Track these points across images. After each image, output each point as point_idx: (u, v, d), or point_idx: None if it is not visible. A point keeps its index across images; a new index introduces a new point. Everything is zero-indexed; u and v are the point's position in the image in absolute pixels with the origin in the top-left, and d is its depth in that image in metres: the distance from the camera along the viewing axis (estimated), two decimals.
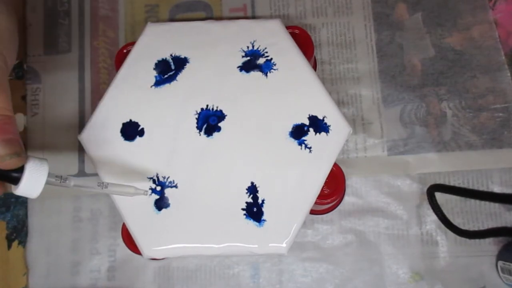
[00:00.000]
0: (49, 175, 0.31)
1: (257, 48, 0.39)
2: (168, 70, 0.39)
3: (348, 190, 0.42)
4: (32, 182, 0.30)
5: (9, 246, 0.43)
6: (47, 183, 0.31)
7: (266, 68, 0.39)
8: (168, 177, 0.37)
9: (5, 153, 0.29)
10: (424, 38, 0.44)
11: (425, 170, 0.42)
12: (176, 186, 0.37)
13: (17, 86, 0.45)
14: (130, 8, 0.46)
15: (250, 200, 0.36)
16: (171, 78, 0.39)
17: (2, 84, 0.31)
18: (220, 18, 0.45)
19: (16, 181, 0.30)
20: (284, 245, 0.36)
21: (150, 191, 0.36)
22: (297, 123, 0.37)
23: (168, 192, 0.37)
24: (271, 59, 0.39)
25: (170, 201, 0.36)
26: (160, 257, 0.38)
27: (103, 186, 0.33)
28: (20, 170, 0.30)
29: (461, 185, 0.42)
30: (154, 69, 0.39)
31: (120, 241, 0.41)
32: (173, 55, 0.39)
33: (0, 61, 0.31)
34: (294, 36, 0.40)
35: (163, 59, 0.39)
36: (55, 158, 0.44)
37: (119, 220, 0.41)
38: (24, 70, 0.45)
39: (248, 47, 0.39)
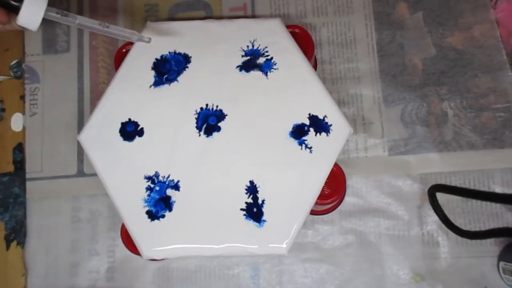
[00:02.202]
0: (51, 9, 0.32)
1: (257, 48, 0.39)
2: (168, 69, 0.39)
3: (348, 191, 0.42)
4: (31, 11, 0.31)
5: (8, 247, 0.42)
6: (50, 17, 0.32)
7: (266, 67, 0.39)
8: (168, 177, 0.37)
9: None
10: (425, 37, 0.44)
11: (426, 170, 0.42)
12: (175, 186, 0.36)
13: (16, 86, 0.45)
14: (129, 7, 0.46)
15: (250, 200, 0.36)
16: (171, 78, 0.39)
17: None
18: (220, 17, 0.45)
19: (16, 10, 0.31)
20: (284, 245, 0.35)
21: (150, 38, 0.37)
22: (298, 123, 0.37)
23: (167, 192, 0.36)
24: (271, 58, 0.39)
25: (169, 202, 0.36)
26: (160, 257, 0.38)
27: (104, 25, 0.34)
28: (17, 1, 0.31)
29: (462, 185, 0.42)
30: (153, 68, 0.39)
31: (119, 241, 0.41)
32: (172, 54, 0.39)
33: None
34: (294, 35, 0.40)
35: (162, 58, 0.39)
36: (54, 158, 0.44)
37: (118, 220, 0.41)
38: (22, 69, 0.45)
39: (248, 46, 0.39)
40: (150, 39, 0.36)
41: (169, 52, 0.39)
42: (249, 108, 0.38)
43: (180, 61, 0.39)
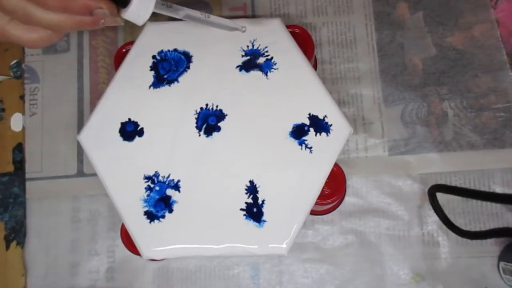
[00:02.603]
0: (158, 1, 0.30)
1: (257, 48, 0.39)
2: (168, 69, 0.39)
3: (348, 191, 0.42)
4: (142, 5, 0.29)
5: (7, 247, 0.42)
6: (155, 9, 0.30)
7: (266, 67, 0.38)
8: (168, 177, 0.37)
9: None
10: (425, 37, 0.44)
11: (426, 170, 0.42)
12: (175, 186, 0.36)
13: (16, 86, 0.45)
14: None
15: (250, 200, 0.36)
16: (171, 78, 0.39)
17: None
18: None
19: (123, 2, 0.29)
20: (284, 245, 0.35)
21: (245, 27, 0.37)
22: (298, 123, 0.37)
23: (167, 192, 0.36)
24: (271, 58, 0.39)
25: (169, 202, 0.36)
26: (160, 258, 0.38)
27: (205, 16, 0.34)
28: None
29: (463, 186, 0.42)
30: (153, 68, 0.39)
31: (119, 241, 0.41)
32: (172, 53, 0.39)
33: None
34: (294, 35, 0.40)
35: (162, 58, 0.39)
36: (53, 158, 0.44)
37: (118, 220, 0.41)
38: (22, 69, 0.45)
39: (248, 46, 0.39)
40: (245, 27, 0.36)
41: (169, 51, 0.39)
42: (249, 108, 0.38)
43: (180, 60, 0.39)
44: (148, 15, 0.30)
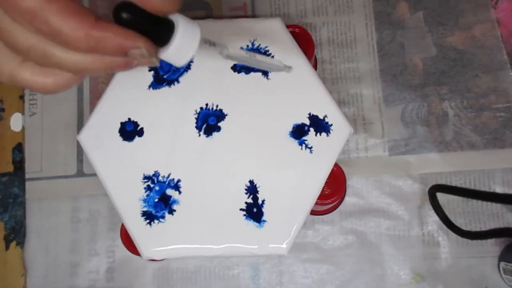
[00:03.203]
0: (201, 40, 0.25)
1: (257, 47, 0.39)
2: (168, 69, 0.39)
3: (349, 191, 0.42)
4: (184, 44, 0.24)
5: (7, 247, 0.42)
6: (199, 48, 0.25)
7: None
8: (168, 178, 0.37)
9: None
10: (426, 37, 0.44)
11: (426, 170, 0.42)
12: (175, 187, 0.36)
13: (15, 86, 0.45)
14: None
15: (250, 200, 0.36)
16: (171, 78, 0.38)
17: None
18: (220, 17, 0.45)
19: (165, 40, 0.24)
20: (284, 246, 0.35)
21: (291, 68, 0.34)
22: (298, 123, 0.37)
23: (167, 192, 0.36)
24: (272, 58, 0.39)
25: (169, 202, 0.36)
26: (159, 258, 0.38)
27: (251, 56, 0.29)
28: (168, 28, 0.24)
29: (463, 186, 0.42)
30: (153, 68, 0.39)
31: (119, 242, 0.41)
32: None
33: None
34: (294, 35, 0.39)
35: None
36: (53, 158, 0.44)
37: (118, 220, 0.41)
38: None
39: (248, 46, 0.39)
40: (291, 68, 0.33)
41: None
42: (249, 108, 0.38)
43: None
44: (190, 56, 0.25)
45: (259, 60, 0.30)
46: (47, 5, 0.22)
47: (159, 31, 0.24)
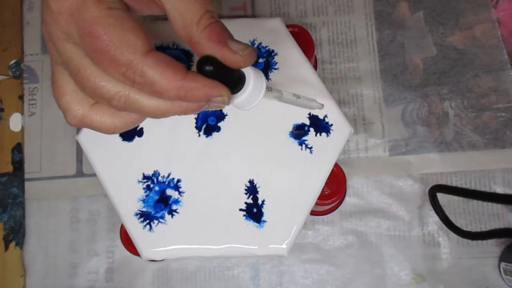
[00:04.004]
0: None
1: (258, 46, 0.39)
2: None
3: (349, 191, 0.42)
4: (254, 92, 0.27)
5: (6, 248, 0.42)
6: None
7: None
8: (167, 178, 0.36)
9: (243, 46, 0.25)
10: (426, 37, 0.44)
11: (427, 171, 0.42)
12: (175, 187, 0.36)
13: (15, 86, 0.45)
14: None
15: (250, 201, 0.36)
16: None
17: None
18: (219, 17, 0.45)
19: (239, 87, 0.26)
20: (284, 246, 0.35)
21: (323, 104, 0.35)
22: (298, 123, 0.37)
23: (167, 192, 0.36)
24: (272, 58, 0.38)
25: (169, 202, 0.36)
26: (159, 258, 0.37)
27: (297, 97, 0.32)
28: (241, 79, 0.26)
29: (463, 186, 0.42)
30: None
31: (118, 242, 0.41)
32: (173, 53, 0.39)
33: None
34: (294, 35, 0.39)
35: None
36: (53, 158, 0.43)
37: (118, 221, 0.41)
38: (21, 69, 0.45)
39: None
40: (323, 105, 0.35)
41: (169, 49, 0.39)
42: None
43: (181, 59, 0.39)
44: (256, 102, 0.27)
45: (302, 102, 0.32)
46: (144, 59, 0.23)
47: (235, 82, 0.26)
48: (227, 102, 0.26)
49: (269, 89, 0.29)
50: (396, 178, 0.42)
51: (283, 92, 0.30)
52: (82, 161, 0.43)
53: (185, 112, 0.26)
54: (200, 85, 0.24)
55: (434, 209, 0.40)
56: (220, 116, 0.37)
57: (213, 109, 0.27)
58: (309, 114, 0.37)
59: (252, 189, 0.36)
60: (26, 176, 0.43)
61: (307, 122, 0.37)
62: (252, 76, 0.26)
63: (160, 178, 0.36)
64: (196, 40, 0.24)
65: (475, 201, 0.41)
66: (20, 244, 0.42)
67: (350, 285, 0.41)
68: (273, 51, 0.39)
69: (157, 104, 0.25)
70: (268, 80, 0.38)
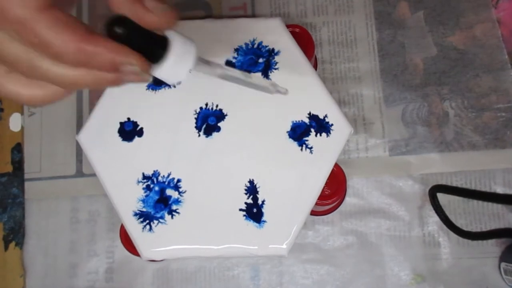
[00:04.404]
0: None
1: (259, 44, 0.39)
2: None
3: (349, 191, 0.42)
4: (178, 61, 0.23)
5: (6, 248, 0.42)
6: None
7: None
8: (167, 178, 0.36)
9: (161, 4, 0.22)
10: (426, 36, 0.44)
11: (427, 171, 0.42)
12: (175, 187, 0.36)
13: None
14: None
15: (250, 201, 0.36)
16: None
17: None
18: (219, 17, 0.45)
19: (159, 56, 0.23)
20: (284, 246, 0.35)
21: (287, 89, 0.33)
22: (298, 122, 0.37)
23: (167, 192, 0.36)
24: (272, 58, 0.38)
25: (169, 202, 0.36)
26: (159, 258, 0.37)
27: (246, 76, 0.29)
28: (163, 45, 0.23)
29: (464, 186, 0.42)
30: None
31: (118, 242, 0.41)
32: None
33: None
34: (294, 35, 0.39)
35: None
36: (52, 158, 0.43)
37: (117, 221, 0.41)
38: None
39: (248, 46, 0.39)
40: (286, 90, 0.32)
41: None
42: (249, 108, 0.37)
43: None
44: (183, 74, 0.24)
45: (253, 81, 0.29)
46: (38, 16, 0.21)
47: (153, 48, 0.23)
48: (141, 73, 0.23)
49: (203, 61, 0.25)
50: (396, 178, 0.42)
51: (223, 67, 0.27)
52: (82, 161, 0.43)
53: (100, 83, 0.23)
54: (104, 50, 0.21)
55: (435, 209, 0.40)
56: (220, 116, 0.37)
57: (136, 82, 0.23)
58: (309, 113, 0.37)
59: (252, 189, 0.36)
60: (26, 176, 0.43)
61: (307, 121, 0.37)
62: (175, 42, 0.23)
63: (160, 178, 0.36)
64: None
65: (475, 201, 0.41)
66: (20, 244, 0.42)
67: (350, 285, 0.41)
68: (273, 49, 0.38)
69: (63, 72, 0.22)
70: (268, 79, 0.38)
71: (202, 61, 0.25)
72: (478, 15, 0.44)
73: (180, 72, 0.24)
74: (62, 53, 0.21)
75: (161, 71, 0.23)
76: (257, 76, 0.30)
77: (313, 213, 0.41)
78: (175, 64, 0.23)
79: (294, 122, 0.37)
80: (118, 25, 0.22)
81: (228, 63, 0.38)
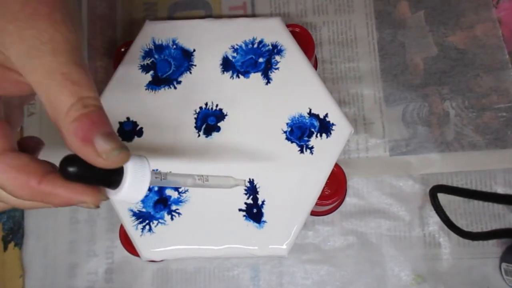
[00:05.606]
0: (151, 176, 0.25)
1: (259, 43, 0.39)
2: (167, 69, 0.38)
3: (349, 191, 0.42)
4: (136, 184, 0.24)
5: (5, 248, 0.42)
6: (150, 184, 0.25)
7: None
8: None
9: (111, 148, 0.22)
10: (427, 36, 0.43)
11: (427, 171, 0.42)
12: (175, 187, 0.36)
13: None
14: (128, 6, 0.45)
15: (250, 201, 0.36)
16: (170, 78, 0.38)
17: (80, 64, 0.23)
18: (219, 16, 0.45)
19: (116, 183, 0.24)
20: (284, 246, 0.35)
21: (248, 180, 0.35)
22: (298, 122, 0.37)
23: (166, 193, 0.36)
24: (272, 58, 0.38)
25: (168, 202, 0.36)
26: (159, 259, 0.37)
27: (203, 179, 0.29)
28: (117, 173, 0.24)
29: (464, 186, 0.42)
30: (152, 68, 0.39)
31: (117, 242, 0.40)
32: (173, 53, 0.39)
33: (69, 32, 0.23)
34: (294, 34, 0.39)
35: (162, 58, 0.39)
36: (52, 158, 0.43)
37: (117, 221, 0.41)
38: None
39: (248, 45, 0.39)
40: (245, 181, 0.33)
41: (169, 49, 0.39)
42: (249, 107, 0.37)
43: (181, 59, 0.39)
44: (143, 193, 0.24)
45: (211, 184, 0.30)
46: None
47: (108, 179, 0.24)
48: (94, 207, 0.24)
49: (160, 176, 0.26)
50: (397, 178, 0.42)
51: (178, 180, 0.27)
52: None
53: (56, 206, 0.24)
54: (59, 191, 0.23)
55: (435, 210, 0.40)
56: (220, 116, 0.37)
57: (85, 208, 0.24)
58: (310, 113, 0.37)
59: (252, 189, 0.36)
60: None
61: (308, 121, 0.37)
62: (129, 167, 0.24)
63: None
64: (64, 134, 0.23)
65: (476, 202, 0.41)
66: (19, 244, 0.42)
67: (350, 286, 0.40)
68: (273, 49, 0.38)
69: (21, 201, 0.24)
70: (268, 80, 0.38)
71: (159, 176, 0.26)
72: (479, 15, 0.43)
73: (138, 192, 0.24)
74: (16, 195, 0.23)
75: (120, 195, 0.24)
76: (215, 178, 0.30)
77: (313, 213, 0.41)
78: (132, 187, 0.24)
79: (294, 122, 0.37)
80: (71, 164, 0.23)
81: (226, 61, 0.38)
